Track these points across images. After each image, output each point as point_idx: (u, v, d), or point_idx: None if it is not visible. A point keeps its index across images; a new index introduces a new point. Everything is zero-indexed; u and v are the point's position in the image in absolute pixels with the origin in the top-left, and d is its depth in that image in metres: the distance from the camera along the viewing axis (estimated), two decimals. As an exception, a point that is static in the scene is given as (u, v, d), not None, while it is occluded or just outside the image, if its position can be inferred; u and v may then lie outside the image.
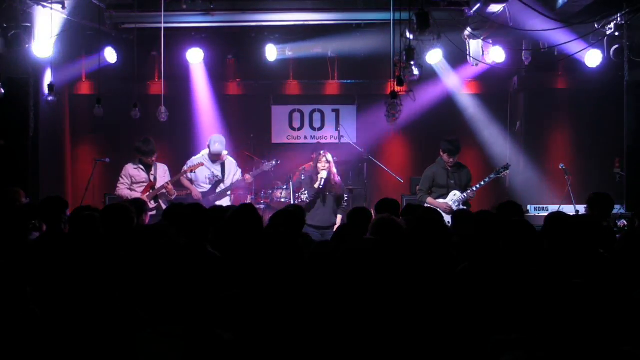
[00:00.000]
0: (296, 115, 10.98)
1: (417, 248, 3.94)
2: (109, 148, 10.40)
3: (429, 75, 9.43)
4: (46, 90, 7.75)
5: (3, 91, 7.21)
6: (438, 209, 7.70)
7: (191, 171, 8.38)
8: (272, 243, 3.28)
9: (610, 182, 9.01)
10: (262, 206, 8.76)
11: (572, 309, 2.28)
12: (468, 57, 8.83)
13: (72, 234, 4.63)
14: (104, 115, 8.38)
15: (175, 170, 8.65)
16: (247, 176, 8.52)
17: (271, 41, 9.57)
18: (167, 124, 8.87)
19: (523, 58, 8.98)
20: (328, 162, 7.88)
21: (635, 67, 8.41)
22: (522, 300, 3.00)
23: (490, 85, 10.66)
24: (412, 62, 6.58)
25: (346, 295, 3.01)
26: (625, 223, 6.80)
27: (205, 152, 8.65)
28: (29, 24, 7.84)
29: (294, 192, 8.91)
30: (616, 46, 8.43)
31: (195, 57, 9.65)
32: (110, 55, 9.16)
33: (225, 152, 8.63)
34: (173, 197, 8.11)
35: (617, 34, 8.03)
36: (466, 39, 8.64)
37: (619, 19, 7.79)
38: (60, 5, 7.87)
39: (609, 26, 8.03)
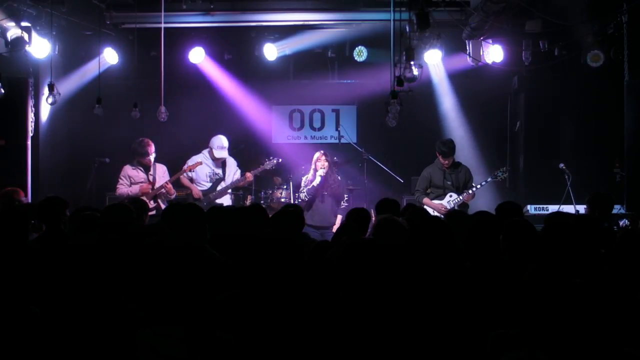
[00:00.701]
0: (296, 115, 10.98)
1: (420, 248, 3.93)
2: (109, 148, 10.40)
3: (429, 75, 9.42)
4: (46, 90, 7.75)
5: (3, 91, 7.22)
6: (433, 210, 7.72)
7: (190, 170, 8.38)
8: (272, 243, 3.28)
9: (610, 182, 9.00)
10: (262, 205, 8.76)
11: (572, 308, 2.28)
12: (468, 57, 8.83)
13: (72, 234, 4.63)
14: (104, 115, 8.37)
15: (175, 170, 8.65)
16: (248, 174, 8.53)
17: (271, 41, 9.56)
18: (167, 124, 8.87)
19: (523, 58, 8.98)
20: (326, 161, 7.89)
21: (635, 67, 8.41)
22: (523, 300, 3.00)
23: (490, 85, 10.66)
24: (412, 62, 6.58)
25: (346, 295, 3.01)
26: (628, 223, 6.80)
27: (205, 151, 8.65)
28: (29, 24, 7.84)
29: (294, 192, 8.92)
30: (616, 46, 8.43)
31: (196, 56, 9.65)
32: (110, 56, 9.16)
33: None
34: (173, 197, 8.12)
35: (617, 34, 8.04)
36: (466, 39, 8.64)
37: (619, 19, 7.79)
38: (61, 5, 7.88)
39: (609, 26, 8.03)
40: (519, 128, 10.56)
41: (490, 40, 8.68)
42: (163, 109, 8.25)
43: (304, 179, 8.23)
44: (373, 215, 6.16)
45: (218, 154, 8.45)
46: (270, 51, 9.51)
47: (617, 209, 7.28)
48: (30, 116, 8.65)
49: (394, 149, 10.70)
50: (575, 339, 2.27)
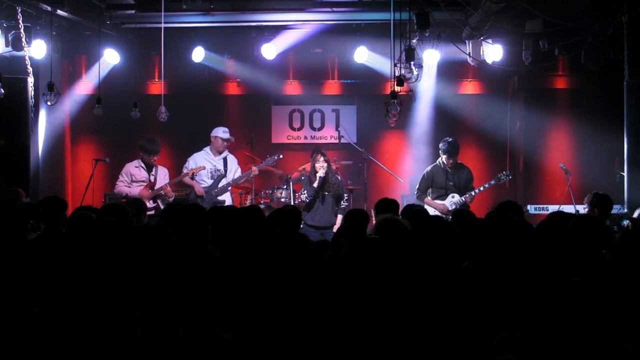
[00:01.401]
0: (296, 115, 10.98)
1: (421, 248, 3.92)
2: (109, 148, 10.41)
3: (429, 74, 9.41)
4: (46, 90, 7.75)
5: (3, 91, 7.21)
6: (435, 210, 7.73)
7: (193, 174, 8.42)
8: (271, 243, 3.28)
9: (610, 182, 9.01)
10: (262, 206, 8.76)
11: (571, 308, 2.28)
12: (468, 57, 8.83)
13: (71, 234, 4.63)
14: (104, 115, 8.38)
15: (176, 171, 8.67)
16: (254, 168, 8.57)
17: (270, 41, 9.55)
18: (167, 124, 8.88)
19: (523, 58, 8.97)
20: (326, 161, 7.90)
21: (635, 67, 8.40)
22: (522, 300, 3.00)
23: (490, 85, 10.66)
24: (412, 62, 6.58)
25: (351, 294, 3.01)
26: (629, 223, 6.79)
27: (207, 148, 8.69)
28: (29, 24, 7.84)
29: (294, 192, 8.93)
30: (616, 46, 8.41)
31: (196, 56, 9.65)
32: (111, 56, 9.16)
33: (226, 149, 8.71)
34: (171, 199, 8.14)
35: (617, 34, 8.03)
36: (466, 39, 8.64)
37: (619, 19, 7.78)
38: (61, 5, 7.87)
39: (609, 26, 8.02)
40: (519, 128, 10.56)
41: (490, 40, 8.67)
42: (163, 109, 8.25)
43: (303, 179, 8.25)
44: (372, 215, 6.16)
45: (225, 136, 8.59)
46: (269, 51, 9.50)
47: (617, 209, 7.27)
48: (30, 116, 8.65)
49: (394, 149, 10.71)
50: (575, 338, 2.27)
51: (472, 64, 9.40)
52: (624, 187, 8.40)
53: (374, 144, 10.55)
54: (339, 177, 8.23)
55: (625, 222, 6.99)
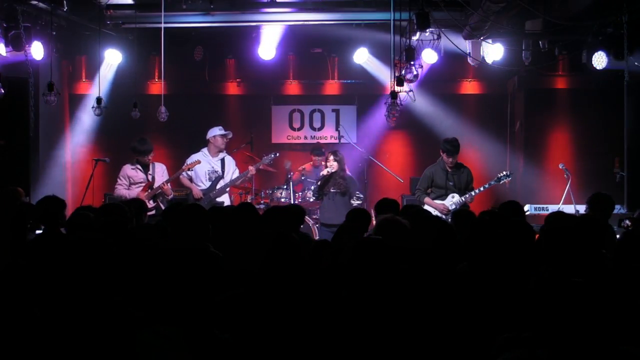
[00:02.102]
0: (296, 115, 10.98)
1: (421, 248, 3.93)
2: (109, 148, 10.40)
3: (429, 74, 9.41)
4: (46, 90, 7.75)
5: (3, 91, 7.21)
6: (435, 210, 7.73)
7: (188, 169, 8.39)
8: (271, 243, 3.28)
9: (610, 182, 9.01)
10: (262, 206, 8.77)
11: (571, 308, 2.28)
12: (468, 57, 8.82)
13: (70, 234, 4.63)
14: (104, 115, 8.37)
15: (174, 170, 8.66)
16: (251, 167, 8.57)
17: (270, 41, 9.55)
18: (167, 124, 8.87)
19: (523, 58, 8.97)
20: (336, 161, 7.99)
21: (635, 67, 8.40)
22: (522, 300, 3.00)
23: (490, 85, 10.66)
24: (412, 62, 6.57)
25: (347, 294, 3.01)
26: (629, 223, 6.79)
27: (205, 149, 8.68)
28: (29, 24, 7.83)
29: (294, 192, 8.94)
30: (616, 46, 8.41)
31: (195, 55, 9.64)
32: (113, 56, 9.15)
33: (224, 150, 8.70)
34: (170, 197, 8.13)
35: (617, 33, 8.02)
36: (466, 39, 8.64)
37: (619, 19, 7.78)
38: (60, 5, 7.87)
39: (609, 26, 8.02)
40: (519, 128, 10.56)
41: (490, 40, 8.67)
42: (163, 109, 8.25)
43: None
44: (373, 215, 6.16)
45: (222, 132, 8.58)
46: (269, 51, 9.49)
47: (617, 209, 7.27)
48: (31, 116, 8.65)
49: (394, 149, 10.71)
50: (575, 338, 2.27)
51: (472, 64, 9.40)
52: (624, 187, 8.41)
53: (374, 144, 10.55)
54: (349, 176, 8.26)
55: (626, 222, 6.99)
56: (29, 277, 3.17)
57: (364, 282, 2.99)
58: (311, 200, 8.68)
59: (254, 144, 9.98)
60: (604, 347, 2.27)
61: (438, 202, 7.86)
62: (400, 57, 6.56)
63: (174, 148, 10.23)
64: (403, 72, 6.42)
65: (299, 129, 10.97)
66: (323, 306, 3.01)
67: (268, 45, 9.44)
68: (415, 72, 6.69)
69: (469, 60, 9.01)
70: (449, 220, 7.46)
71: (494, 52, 8.77)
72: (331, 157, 8.08)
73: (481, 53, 8.81)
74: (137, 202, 6.13)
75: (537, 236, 4.11)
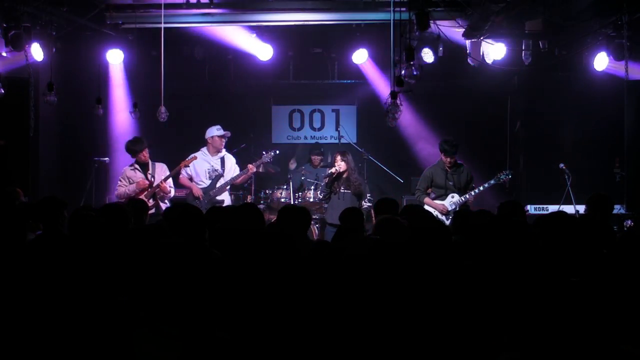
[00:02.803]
0: (296, 115, 10.99)
1: (420, 248, 3.92)
2: (108, 148, 10.41)
3: (429, 74, 9.42)
4: (46, 90, 7.76)
5: (3, 91, 7.21)
6: (435, 210, 7.74)
7: (185, 165, 8.36)
8: (270, 242, 3.28)
9: (610, 182, 9.01)
10: (261, 206, 8.77)
11: (569, 307, 2.28)
12: (468, 57, 8.83)
13: (71, 235, 4.63)
14: (103, 115, 8.38)
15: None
16: (250, 166, 8.56)
17: (270, 41, 9.54)
18: (167, 124, 8.88)
19: (523, 58, 8.97)
20: (343, 160, 8.01)
21: (635, 67, 8.41)
22: (522, 300, 3.00)
23: (490, 85, 10.66)
24: (412, 62, 6.58)
25: (347, 295, 3.01)
26: (632, 223, 6.80)
27: (204, 148, 8.68)
28: (29, 24, 7.84)
29: (294, 192, 8.94)
30: (616, 46, 8.42)
31: (195, 55, 9.64)
32: (114, 56, 9.15)
33: (223, 149, 8.69)
34: (169, 196, 8.12)
35: (617, 34, 8.03)
36: (466, 39, 8.64)
37: (619, 19, 7.79)
38: (60, 5, 7.87)
39: (609, 26, 8.02)
40: (519, 128, 10.56)
41: (490, 40, 8.67)
42: (163, 109, 8.25)
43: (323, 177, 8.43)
44: (372, 215, 6.16)
45: (220, 132, 8.55)
46: (267, 51, 9.49)
47: (617, 209, 7.28)
48: (31, 116, 8.65)
49: (394, 149, 10.72)
50: (574, 338, 2.27)
51: (472, 64, 9.40)
52: (624, 187, 8.41)
53: (374, 144, 10.55)
54: (357, 176, 8.28)
55: (628, 222, 7.00)
56: (29, 278, 3.18)
57: (365, 281, 2.99)
58: (312, 200, 8.69)
59: (254, 144, 9.99)
60: (603, 347, 2.27)
61: (438, 202, 7.87)
62: (400, 57, 6.56)
63: (174, 148, 10.23)
64: (403, 72, 6.42)
65: (299, 129, 10.98)
66: (323, 306, 3.02)
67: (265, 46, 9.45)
68: (415, 72, 6.70)
69: (469, 60, 9.01)
70: (449, 220, 7.49)
71: (496, 51, 8.77)
72: (338, 157, 8.09)
73: (481, 53, 8.81)
74: (138, 202, 6.13)
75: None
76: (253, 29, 9.28)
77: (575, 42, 8.83)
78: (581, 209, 7.33)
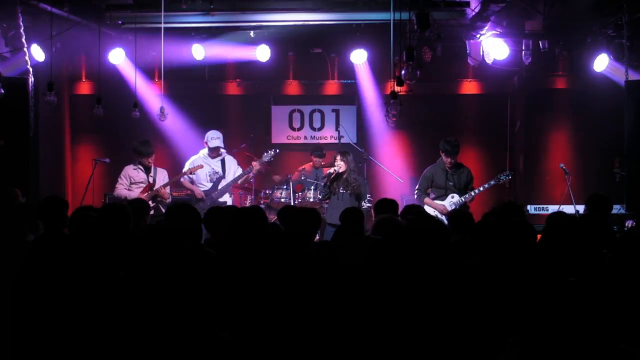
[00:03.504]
0: (296, 115, 10.98)
1: (419, 248, 3.92)
2: (109, 148, 10.42)
3: (429, 74, 9.42)
4: (46, 90, 7.75)
5: (3, 91, 7.20)
6: (434, 210, 7.74)
7: (191, 173, 8.40)
8: (271, 242, 3.28)
9: (610, 182, 9.01)
10: (261, 206, 8.76)
11: (570, 307, 2.28)
12: (468, 57, 8.83)
13: (71, 235, 4.62)
14: (104, 115, 8.37)
15: (175, 172, 8.66)
16: (255, 162, 8.55)
17: (269, 41, 9.54)
18: (166, 124, 8.88)
19: (523, 58, 8.97)
20: (342, 161, 8.01)
21: (635, 67, 8.40)
22: (522, 300, 3.00)
23: (490, 85, 10.66)
24: (412, 62, 6.57)
25: (347, 295, 3.01)
26: (633, 224, 6.79)
27: (204, 151, 8.67)
28: (29, 24, 7.84)
29: (294, 192, 8.94)
30: (616, 46, 8.42)
31: (196, 55, 9.63)
32: (116, 56, 9.15)
33: (223, 150, 8.67)
34: (168, 201, 8.14)
35: (617, 33, 8.03)
36: (466, 39, 8.64)
37: (619, 20, 7.79)
38: (60, 5, 7.87)
39: (609, 26, 8.03)
40: (518, 128, 10.56)
41: (490, 40, 8.67)
42: (163, 109, 8.25)
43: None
44: (372, 215, 6.16)
45: (213, 143, 8.49)
46: (264, 53, 9.48)
47: (617, 209, 7.28)
48: (31, 116, 8.64)
49: (394, 149, 10.71)
50: (574, 337, 2.27)
51: (472, 64, 9.40)
52: (624, 187, 8.40)
53: (374, 144, 10.55)
54: (358, 177, 8.27)
55: (629, 223, 6.99)
56: (29, 278, 3.18)
57: (365, 281, 2.99)
58: (311, 200, 8.69)
59: (254, 144, 9.99)
60: (602, 346, 2.27)
61: (438, 202, 7.86)
62: (400, 57, 6.56)
63: (174, 148, 10.23)
64: (403, 72, 6.42)
65: (299, 129, 10.97)
66: (323, 306, 3.02)
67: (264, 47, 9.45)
68: (415, 72, 6.69)
69: (469, 60, 9.01)
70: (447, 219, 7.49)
71: (498, 51, 8.76)
72: (338, 157, 8.08)
73: (481, 53, 8.81)
74: (139, 203, 6.12)
75: (538, 237, 4.11)
76: (253, 28, 9.28)
77: (576, 42, 8.83)
78: (581, 209, 7.33)
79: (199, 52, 9.47)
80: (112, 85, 9.36)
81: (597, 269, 3.64)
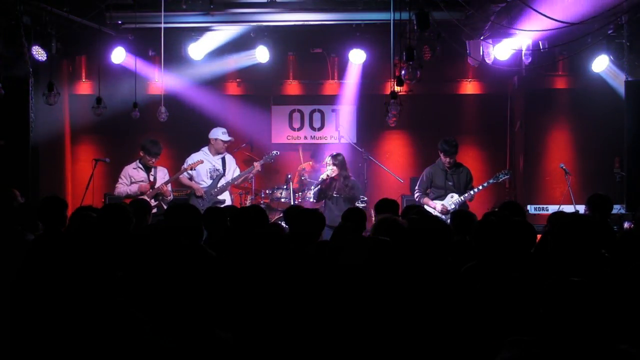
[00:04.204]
0: (296, 115, 10.97)
1: (419, 248, 3.92)
2: (109, 148, 10.41)
3: (429, 74, 9.41)
4: (46, 90, 7.74)
5: (3, 91, 7.20)
6: (434, 210, 7.74)
7: (191, 169, 8.43)
8: (270, 242, 3.28)
9: (610, 182, 9.01)
10: (261, 206, 8.77)
11: (570, 307, 2.28)
12: (468, 57, 8.82)
13: (71, 235, 4.62)
14: (104, 115, 8.37)
15: (175, 171, 8.66)
16: (256, 163, 8.60)
17: (269, 41, 9.52)
18: (167, 124, 8.87)
19: (523, 58, 8.96)
20: (335, 165, 8.00)
21: (636, 67, 8.40)
22: (522, 300, 3.00)
23: (490, 86, 10.66)
24: (412, 62, 6.57)
25: (347, 294, 3.01)
26: (631, 224, 6.79)
27: (205, 148, 8.71)
28: (29, 24, 7.83)
29: (294, 192, 8.94)
30: (616, 46, 8.42)
31: (196, 55, 9.62)
32: (118, 55, 9.14)
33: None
34: (169, 198, 8.15)
35: (617, 34, 8.03)
36: (466, 39, 8.63)
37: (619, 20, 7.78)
38: (60, 5, 7.87)
39: (609, 26, 8.02)
40: (518, 128, 10.56)
41: (490, 41, 8.66)
42: (163, 109, 8.25)
43: (314, 182, 8.39)
44: (373, 215, 6.16)
45: (225, 137, 8.67)
46: (262, 53, 9.47)
47: (617, 209, 7.28)
48: (31, 116, 8.65)
49: (394, 149, 10.71)
50: (573, 337, 2.27)
51: (472, 64, 9.39)
52: (624, 187, 8.41)
53: (374, 144, 10.55)
54: (352, 179, 8.25)
55: (627, 224, 6.99)
56: (29, 278, 3.17)
57: (365, 282, 2.99)
58: (311, 200, 8.69)
59: (254, 144, 9.99)
60: (602, 346, 2.27)
61: (437, 202, 7.86)
62: (400, 57, 6.56)
63: (174, 148, 10.23)
64: (403, 72, 6.42)
65: (299, 129, 10.97)
66: (324, 306, 3.02)
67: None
68: (415, 72, 6.69)
69: (469, 60, 9.00)
70: (448, 220, 7.48)
71: (501, 51, 8.74)
72: (330, 161, 8.06)
73: (481, 53, 8.80)
74: (141, 203, 6.11)
75: (538, 237, 4.11)
76: (252, 29, 9.27)
77: (576, 42, 8.82)
78: (581, 209, 7.33)
79: (199, 52, 9.46)
80: (112, 85, 9.35)
81: (598, 269, 3.64)
